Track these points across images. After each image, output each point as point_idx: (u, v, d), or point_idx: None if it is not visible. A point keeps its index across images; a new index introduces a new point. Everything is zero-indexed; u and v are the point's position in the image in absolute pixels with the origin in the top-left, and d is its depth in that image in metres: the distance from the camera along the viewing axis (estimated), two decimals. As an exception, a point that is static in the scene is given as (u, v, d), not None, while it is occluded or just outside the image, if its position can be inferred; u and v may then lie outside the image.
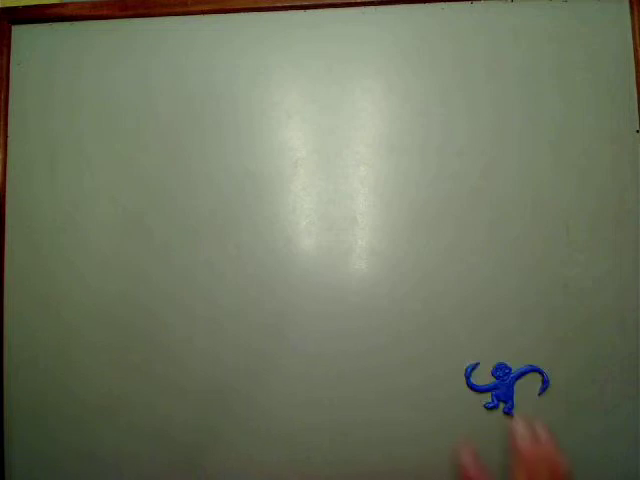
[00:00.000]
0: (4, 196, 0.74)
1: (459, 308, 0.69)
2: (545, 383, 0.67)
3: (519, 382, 0.68)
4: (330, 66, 0.73)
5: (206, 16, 0.74)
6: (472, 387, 0.68)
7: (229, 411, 0.71)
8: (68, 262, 0.73)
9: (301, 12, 0.73)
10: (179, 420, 0.71)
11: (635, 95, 0.70)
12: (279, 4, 0.73)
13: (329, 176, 0.72)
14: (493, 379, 0.68)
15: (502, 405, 0.68)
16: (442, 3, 0.72)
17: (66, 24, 0.76)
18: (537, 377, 0.68)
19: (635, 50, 0.70)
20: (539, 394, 0.68)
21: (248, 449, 0.71)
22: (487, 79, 0.71)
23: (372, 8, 0.72)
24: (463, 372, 0.68)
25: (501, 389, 0.67)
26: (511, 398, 0.67)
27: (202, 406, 0.71)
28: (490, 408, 0.68)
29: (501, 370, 0.67)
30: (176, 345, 0.72)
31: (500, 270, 0.69)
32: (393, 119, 0.72)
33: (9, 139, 0.75)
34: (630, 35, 0.70)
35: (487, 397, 0.68)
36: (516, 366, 0.68)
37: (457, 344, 0.69)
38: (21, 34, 0.76)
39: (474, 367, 0.68)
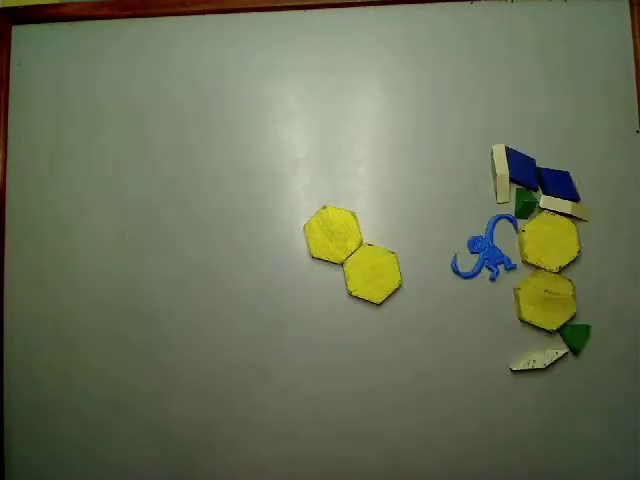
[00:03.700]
0: (4, 196, 0.74)
1: (460, 307, 0.69)
2: (514, 221, 0.68)
3: (497, 239, 0.69)
4: (330, 66, 0.73)
5: (206, 16, 0.74)
6: (465, 276, 0.69)
7: (230, 407, 0.71)
8: (68, 262, 0.73)
9: (301, 12, 0.73)
10: (180, 417, 0.71)
11: (635, 95, 0.70)
12: (279, 4, 0.73)
13: (329, 176, 0.72)
14: (477, 255, 0.69)
15: (501, 267, 0.69)
16: (442, 3, 0.72)
17: (66, 24, 0.76)
18: (505, 223, 0.69)
19: (635, 50, 0.70)
20: (517, 233, 0.69)
21: (248, 446, 0.70)
22: (487, 79, 0.71)
23: (372, 8, 0.72)
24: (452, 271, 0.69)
25: (489, 256, 0.68)
26: (502, 255, 0.68)
27: (203, 402, 0.71)
28: (495, 279, 0.68)
29: (475, 243, 0.68)
30: (176, 349, 0.71)
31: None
32: (393, 119, 0.72)
33: (9, 139, 0.75)
34: (630, 35, 0.70)
35: (487, 274, 0.69)
36: (482, 232, 0.69)
37: (460, 345, 0.69)
38: (21, 34, 0.76)
39: (455, 259, 0.69)
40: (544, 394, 0.68)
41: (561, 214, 0.67)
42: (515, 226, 0.68)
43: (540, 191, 0.69)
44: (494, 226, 0.68)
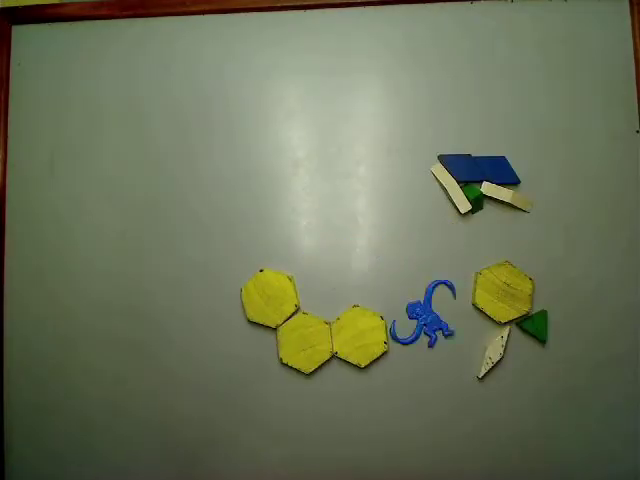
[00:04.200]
0: (4, 196, 0.74)
1: (459, 307, 0.69)
2: (452, 288, 0.69)
3: (434, 305, 0.69)
4: (330, 66, 0.73)
5: (206, 16, 0.74)
6: (403, 342, 0.69)
7: (232, 405, 0.71)
8: (68, 262, 0.73)
9: (301, 12, 0.73)
10: (182, 415, 0.71)
11: (635, 95, 0.70)
12: (279, 4, 0.73)
13: (329, 176, 0.72)
14: (415, 322, 0.69)
15: (439, 333, 0.69)
16: (442, 3, 0.72)
17: (66, 24, 0.76)
18: (444, 289, 0.69)
19: (635, 50, 0.70)
20: (455, 298, 0.69)
21: (247, 454, 0.71)
22: (487, 79, 0.71)
23: (372, 8, 0.72)
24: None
25: (427, 322, 0.69)
26: (440, 321, 0.68)
27: (205, 400, 0.71)
28: (433, 345, 0.69)
29: (414, 308, 0.69)
30: (175, 347, 0.71)
31: (500, 270, 0.69)
32: (393, 119, 0.72)
33: (9, 139, 0.75)
34: (630, 35, 0.70)
35: (425, 340, 0.69)
36: (419, 296, 0.69)
37: (459, 342, 0.69)
38: (21, 34, 0.76)
39: (394, 325, 0.69)
40: (543, 394, 0.68)
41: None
42: (453, 292, 0.69)
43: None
44: (432, 291, 0.69)
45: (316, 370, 0.69)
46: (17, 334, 0.73)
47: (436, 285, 0.68)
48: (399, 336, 0.69)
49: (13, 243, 0.74)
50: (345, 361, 0.69)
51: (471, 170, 0.69)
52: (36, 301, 0.73)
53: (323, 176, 0.72)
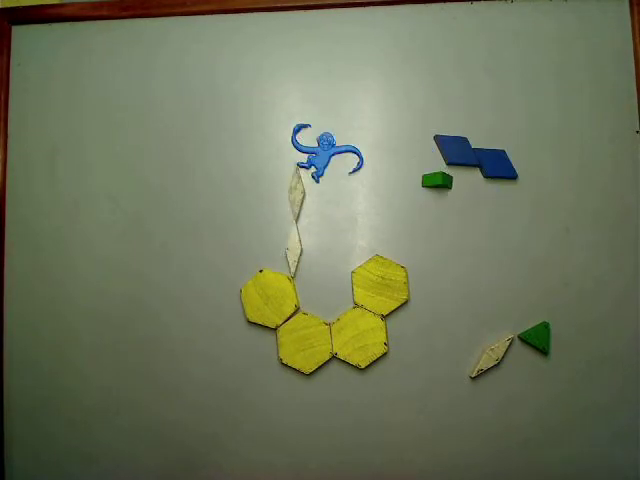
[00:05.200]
0: (4, 196, 0.74)
1: (460, 309, 0.69)
2: (360, 164, 0.70)
3: (338, 157, 0.71)
4: (330, 66, 0.73)
5: (206, 16, 0.74)
6: (295, 145, 0.71)
7: (228, 414, 0.71)
8: (68, 262, 0.73)
9: (301, 12, 0.73)
10: (178, 423, 0.71)
11: (635, 95, 0.70)
12: (279, 4, 0.73)
13: (329, 176, 0.72)
14: (316, 144, 0.70)
15: (313, 169, 0.70)
16: (442, 3, 0.72)
17: (66, 24, 0.76)
18: (355, 157, 0.70)
19: (635, 50, 0.70)
20: (350, 173, 0.70)
21: (247, 453, 0.70)
22: (487, 79, 0.71)
23: (372, 8, 0.72)
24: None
25: (319, 155, 0.70)
26: (324, 166, 0.70)
27: (201, 409, 0.71)
28: (302, 167, 0.71)
29: (325, 139, 0.70)
30: (176, 347, 0.71)
31: (500, 270, 0.69)
32: (393, 119, 0.72)
33: (9, 139, 0.75)
34: (630, 35, 0.70)
35: (304, 158, 0.71)
36: (342, 141, 0.71)
37: (458, 343, 0.69)
38: (21, 34, 0.76)
39: (304, 127, 0.71)
40: (542, 398, 0.68)
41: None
42: (360, 165, 0.70)
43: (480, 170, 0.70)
44: (339, 152, 0.70)
45: (316, 370, 0.69)
46: (17, 338, 0.73)
47: (347, 151, 0.70)
48: (297, 138, 0.71)
49: (13, 243, 0.74)
50: (345, 362, 0.69)
51: (464, 154, 0.69)
52: (36, 303, 0.73)
53: (323, 176, 0.72)
